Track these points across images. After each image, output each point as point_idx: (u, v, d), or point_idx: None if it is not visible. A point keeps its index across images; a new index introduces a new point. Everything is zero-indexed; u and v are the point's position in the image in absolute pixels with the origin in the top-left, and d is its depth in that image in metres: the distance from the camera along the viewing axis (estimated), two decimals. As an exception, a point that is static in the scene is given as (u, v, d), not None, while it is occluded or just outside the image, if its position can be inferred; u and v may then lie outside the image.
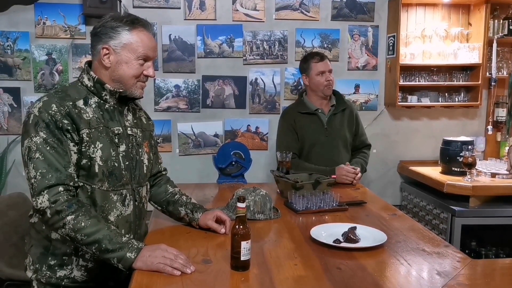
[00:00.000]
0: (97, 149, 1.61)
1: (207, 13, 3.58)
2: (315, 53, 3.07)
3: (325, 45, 3.70)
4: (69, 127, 1.56)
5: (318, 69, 2.94)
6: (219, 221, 1.85)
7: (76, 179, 1.57)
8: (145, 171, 1.80)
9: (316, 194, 2.23)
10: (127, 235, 1.57)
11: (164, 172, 2.02)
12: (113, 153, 1.65)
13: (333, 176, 2.56)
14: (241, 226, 1.47)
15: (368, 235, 1.76)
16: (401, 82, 3.61)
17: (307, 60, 3.02)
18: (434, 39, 3.67)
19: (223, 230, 1.81)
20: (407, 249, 1.70)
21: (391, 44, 3.66)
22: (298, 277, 1.45)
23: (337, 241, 1.70)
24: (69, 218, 1.49)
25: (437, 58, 3.65)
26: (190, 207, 1.90)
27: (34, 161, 1.52)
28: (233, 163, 2.80)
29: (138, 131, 1.79)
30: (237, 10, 3.60)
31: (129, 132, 1.74)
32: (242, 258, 1.46)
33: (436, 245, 1.76)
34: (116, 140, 1.68)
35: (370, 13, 3.71)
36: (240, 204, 1.49)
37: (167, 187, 1.98)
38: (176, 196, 1.95)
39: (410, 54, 3.64)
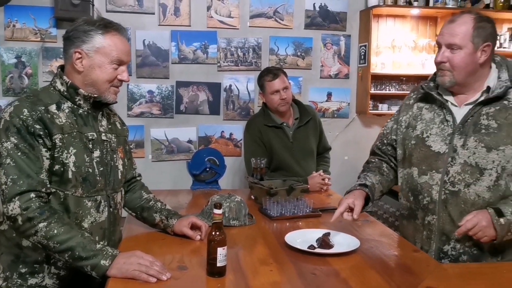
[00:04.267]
0: (70, 155, 1.59)
1: (182, 19, 3.58)
2: (268, 71, 2.93)
3: (299, 53, 3.75)
4: (41, 132, 1.53)
5: (272, 88, 2.85)
6: (194, 227, 1.85)
7: (48, 185, 1.54)
8: (119, 177, 1.78)
9: (290, 200, 2.25)
10: (101, 242, 1.55)
11: (138, 178, 2.00)
12: (87, 158, 1.63)
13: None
14: (217, 232, 1.48)
15: (342, 241, 1.79)
16: (372, 91, 3.70)
17: (261, 78, 2.93)
18: (403, 49, 3.78)
19: (198, 237, 1.81)
20: (379, 254, 1.74)
21: (362, 53, 3.74)
22: (274, 282, 1.46)
23: (311, 247, 1.72)
24: (41, 225, 1.46)
25: (407, 68, 3.76)
26: (165, 214, 1.89)
27: (4, 167, 1.49)
28: (207, 169, 2.79)
29: (113, 137, 1.77)
30: (212, 17, 3.61)
31: (104, 137, 1.72)
32: (218, 264, 1.46)
33: (407, 250, 1.80)
34: (90, 146, 1.66)
35: (343, 23, 3.79)
36: (216, 211, 1.49)
37: (142, 193, 1.96)
38: (150, 202, 1.94)
39: (381, 64, 3.73)
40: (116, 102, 1.74)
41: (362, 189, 1.89)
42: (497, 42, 3.71)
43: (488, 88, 1.79)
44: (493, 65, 1.84)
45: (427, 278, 1.51)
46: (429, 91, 1.87)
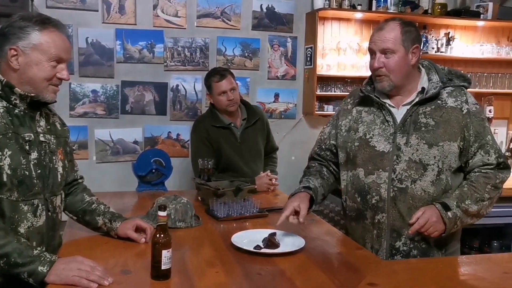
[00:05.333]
0: (5, 157, 1.51)
1: (127, 17, 3.49)
2: (215, 72, 2.93)
3: (246, 54, 3.76)
4: (-27, 134, 1.45)
5: (219, 89, 2.84)
6: (139, 229, 1.81)
7: (-19, 189, 1.46)
8: (59, 180, 1.71)
9: (237, 201, 2.25)
10: (38, 248, 1.50)
11: (80, 180, 1.94)
12: (24, 161, 1.56)
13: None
14: (162, 235, 1.45)
15: (288, 241, 1.81)
16: (318, 92, 3.77)
17: (208, 78, 2.92)
18: (348, 52, 3.87)
19: (143, 240, 1.78)
20: (324, 252, 1.78)
21: (308, 55, 3.81)
22: (219, 283, 1.46)
23: (257, 247, 1.73)
24: (-27, 231, 1.38)
25: (351, 70, 3.85)
26: (108, 216, 1.84)
27: None
28: (153, 170, 2.74)
29: (52, 138, 1.71)
30: (158, 16, 3.55)
31: (42, 138, 1.65)
32: (163, 267, 1.44)
33: (350, 248, 1.85)
34: (27, 147, 1.58)
35: (289, 25, 3.84)
36: (161, 213, 1.47)
37: (84, 195, 1.90)
38: (93, 205, 1.88)
39: (326, 65, 3.81)
40: (55, 102, 1.68)
41: (306, 191, 1.92)
42: (435, 46, 3.91)
43: (423, 89, 1.90)
44: (422, 69, 1.96)
45: (369, 275, 1.55)
46: (368, 94, 1.95)
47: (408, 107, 1.90)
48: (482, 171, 1.86)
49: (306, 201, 1.88)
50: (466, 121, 1.85)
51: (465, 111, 1.86)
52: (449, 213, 1.78)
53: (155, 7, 3.54)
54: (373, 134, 1.92)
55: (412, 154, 1.84)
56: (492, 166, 1.86)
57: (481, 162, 1.86)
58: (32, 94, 1.59)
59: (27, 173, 1.56)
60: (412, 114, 1.88)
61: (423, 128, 1.85)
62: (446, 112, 1.86)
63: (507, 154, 3.98)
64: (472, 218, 1.86)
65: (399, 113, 1.91)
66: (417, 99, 1.89)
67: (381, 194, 1.88)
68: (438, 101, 1.88)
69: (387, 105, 1.92)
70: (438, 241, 1.86)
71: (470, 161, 1.87)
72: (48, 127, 1.71)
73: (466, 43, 4.13)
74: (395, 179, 1.86)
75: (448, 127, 1.84)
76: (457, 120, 1.85)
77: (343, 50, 3.86)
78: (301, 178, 2.08)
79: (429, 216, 1.78)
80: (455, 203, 1.80)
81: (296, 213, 1.82)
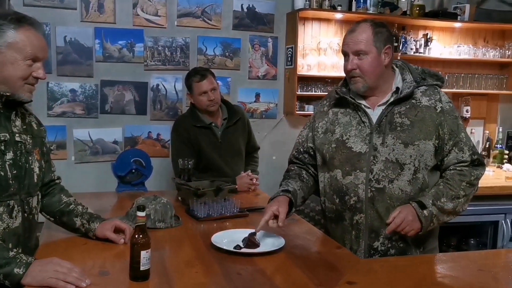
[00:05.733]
0: (-20, 157, 1.48)
1: (106, 16, 3.46)
2: (196, 72, 2.92)
3: (227, 54, 3.75)
4: None
5: (199, 89, 2.83)
6: (118, 230, 1.79)
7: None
8: (35, 180, 1.68)
9: (217, 201, 2.24)
10: (14, 250, 1.47)
11: (57, 181, 1.91)
12: (-1, 161, 1.53)
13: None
14: (140, 235, 1.44)
15: (268, 240, 1.81)
16: (299, 92, 3.78)
17: (189, 78, 2.91)
18: (328, 52, 3.89)
19: (122, 241, 1.76)
20: (304, 252, 1.79)
21: (289, 55, 3.82)
22: (199, 284, 1.46)
23: (237, 247, 1.73)
24: None
25: (331, 70, 3.88)
26: (86, 217, 1.82)
27: None
28: (133, 170, 2.72)
29: (28, 138, 1.68)
30: (138, 15, 3.52)
31: (18, 138, 1.62)
32: (142, 268, 1.43)
33: (330, 247, 1.86)
34: (2, 147, 1.56)
35: (270, 25, 3.84)
36: (139, 213, 1.46)
37: (61, 196, 1.87)
38: (71, 206, 1.85)
39: (307, 66, 3.83)
40: (31, 101, 1.66)
41: (285, 194, 1.92)
42: (414, 47, 3.96)
43: (397, 89, 1.92)
44: (396, 69, 1.98)
45: (347, 273, 1.57)
46: (344, 95, 1.97)
47: (383, 107, 1.92)
48: (457, 168, 1.89)
49: (285, 204, 1.87)
50: (440, 119, 1.88)
51: (439, 109, 1.89)
52: (425, 212, 1.81)
53: (134, 6, 3.51)
54: (349, 135, 1.93)
55: (389, 154, 1.86)
56: (466, 163, 1.89)
57: (455, 160, 1.89)
58: (8, 94, 1.56)
59: (2, 173, 1.54)
60: (388, 114, 1.89)
61: (398, 128, 1.87)
62: (420, 111, 1.88)
63: (483, 153, 4.06)
64: (448, 216, 1.88)
65: (375, 113, 1.93)
66: (392, 99, 1.91)
67: (359, 194, 1.89)
68: (413, 101, 1.90)
69: (362, 106, 1.94)
70: (415, 239, 1.88)
71: (445, 158, 1.90)
72: (24, 127, 1.68)
73: (444, 44, 4.19)
74: (372, 179, 1.87)
75: (423, 126, 1.86)
76: (431, 119, 1.87)
77: (324, 50, 3.89)
78: (281, 182, 2.08)
79: (405, 215, 1.80)
80: (430, 202, 1.82)
81: (276, 217, 1.82)
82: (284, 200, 1.90)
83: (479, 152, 4.03)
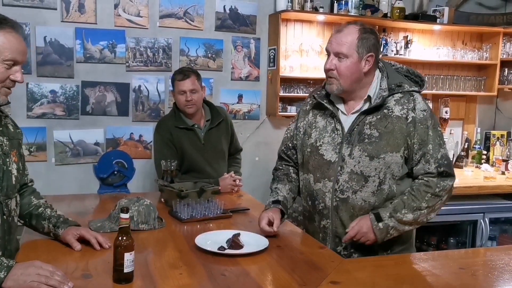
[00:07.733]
0: (-42, 160, 1.45)
1: (87, 16, 3.42)
2: (180, 71, 2.94)
3: (209, 55, 3.75)
4: None
5: (179, 88, 2.85)
6: (82, 239, 1.75)
7: None
8: (14, 182, 1.66)
9: (201, 202, 2.24)
10: (-5, 253, 1.44)
11: (30, 184, 1.88)
12: (-24, 163, 1.51)
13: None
14: (124, 238, 1.44)
15: (252, 241, 1.82)
16: (281, 93, 3.79)
17: (173, 75, 2.94)
18: (310, 53, 3.91)
19: (78, 247, 1.71)
20: (287, 252, 1.80)
21: (272, 56, 3.83)
22: (183, 285, 1.45)
23: (221, 248, 1.73)
24: None
25: (313, 72, 3.90)
26: (53, 221, 1.78)
27: None
28: (115, 172, 2.70)
29: (5, 140, 1.65)
30: (120, 15, 3.49)
31: (-6, 141, 1.60)
32: (125, 270, 1.42)
33: (313, 247, 1.88)
34: (-20, 150, 1.53)
35: (252, 26, 3.85)
36: (123, 215, 1.45)
37: (31, 198, 1.84)
38: (40, 209, 1.82)
39: (289, 67, 3.85)
40: (8, 103, 1.63)
41: (276, 206, 2.01)
42: (394, 49, 4.01)
43: (369, 97, 1.92)
44: (378, 73, 1.96)
45: (331, 273, 1.58)
46: (320, 100, 1.98)
47: (356, 115, 1.92)
48: (425, 179, 1.87)
49: (278, 213, 1.98)
50: (409, 130, 1.86)
51: (410, 119, 1.86)
52: (380, 224, 1.83)
53: (116, 6, 3.48)
54: (322, 142, 1.96)
55: (354, 166, 1.88)
56: (433, 175, 1.86)
57: (423, 171, 1.88)
58: (-16, 96, 1.54)
59: (-20, 176, 1.51)
60: (359, 124, 1.90)
61: (366, 140, 1.87)
62: (391, 122, 1.87)
63: (462, 153, 4.13)
64: (411, 225, 1.89)
65: (348, 121, 1.93)
66: (364, 107, 1.92)
67: (326, 202, 1.95)
68: (385, 110, 1.88)
69: (339, 112, 1.95)
70: (381, 243, 1.90)
71: (414, 168, 1.89)
72: (0, 129, 1.66)
73: (424, 46, 4.25)
74: (337, 189, 1.91)
75: (391, 138, 1.86)
76: (400, 130, 1.86)
77: (306, 52, 3.91)
78: (270, 184, 2.16)
79: (360, 227, 1.86)
80: (388, 214, 1.84)
81: (270, 223, 1.93)
82: (276, 211, 1.99)
83: (459, 154, 4.12)
